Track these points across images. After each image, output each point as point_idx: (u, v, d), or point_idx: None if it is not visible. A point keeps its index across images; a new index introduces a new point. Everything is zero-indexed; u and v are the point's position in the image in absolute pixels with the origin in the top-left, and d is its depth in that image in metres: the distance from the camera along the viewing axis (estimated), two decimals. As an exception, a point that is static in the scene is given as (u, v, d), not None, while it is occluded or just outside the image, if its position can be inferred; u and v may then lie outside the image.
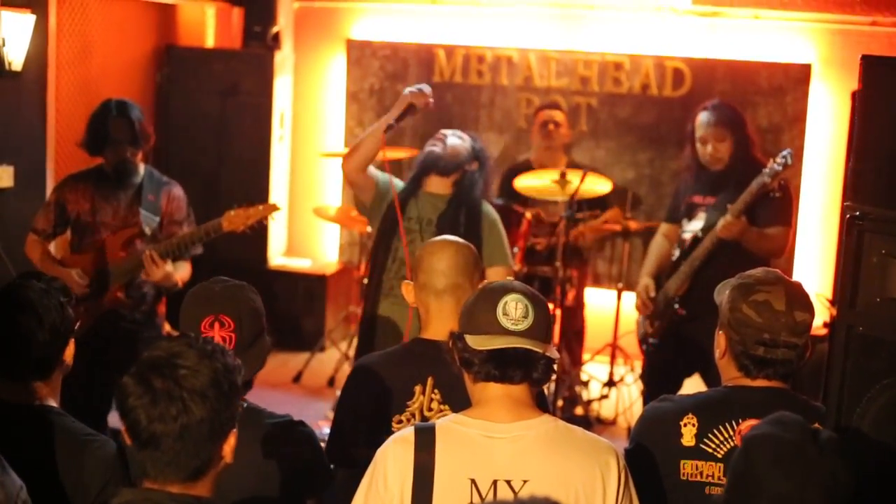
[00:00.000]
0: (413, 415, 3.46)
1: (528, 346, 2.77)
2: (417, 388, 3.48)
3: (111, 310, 5.53)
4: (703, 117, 6.12)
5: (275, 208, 5.58)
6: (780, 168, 5.64)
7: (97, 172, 5.70)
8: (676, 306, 6.05)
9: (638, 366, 7.21)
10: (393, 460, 2.78)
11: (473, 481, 2.72)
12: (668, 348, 6.25)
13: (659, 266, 6.48)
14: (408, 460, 2.76)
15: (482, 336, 2.78)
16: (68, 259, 5.63)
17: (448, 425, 2.81)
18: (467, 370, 2.85)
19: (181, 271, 5.66)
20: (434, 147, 5.46)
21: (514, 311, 2.77)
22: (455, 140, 5.50)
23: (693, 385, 6.10)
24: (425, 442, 2.77)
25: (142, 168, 5.71)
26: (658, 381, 6.22)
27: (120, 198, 5.65)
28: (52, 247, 5.81)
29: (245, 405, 3.17)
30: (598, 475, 2.76)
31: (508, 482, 2.72)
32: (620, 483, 2.80)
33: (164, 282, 5.52)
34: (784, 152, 5.68)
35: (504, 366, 2.78)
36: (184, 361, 2.49)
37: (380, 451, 2.84)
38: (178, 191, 5.79)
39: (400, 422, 3.45)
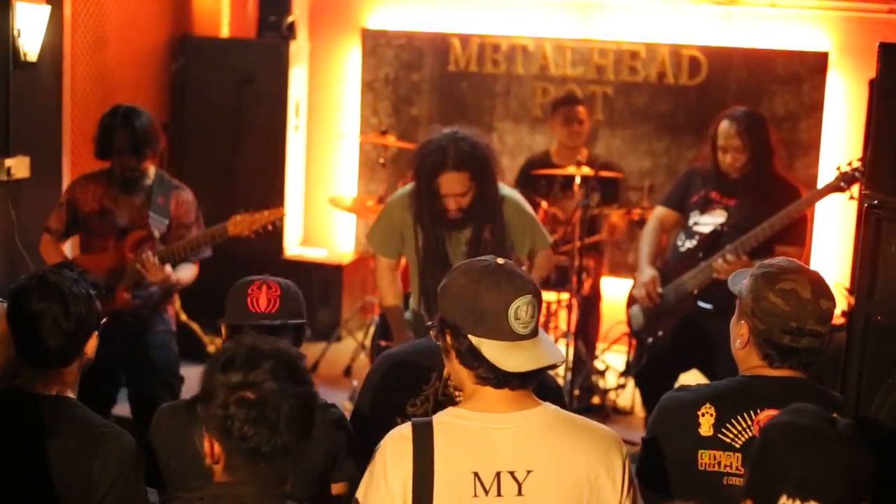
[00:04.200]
0: (427, 398, 3.51)
1: (553, 362, 2.78)
2: (434, 374, 3.53)
3: (116, 311, 5.55)
4: (725, 126, 6.07)
5: (280, 214, 5.60)
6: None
7: (109, 173, 5.73)
8: (702, 304, 6.02)
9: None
10: (392, 457, 2.75)
11: (476, 474, 2.70)
12: (671, 343, 6.23)
13: (657, 253, 6.48)
14: (406, 456, 2.73)
15: (495, 343, 2.73)
16: (78, 260, 5.64)
17: (446, 419, 2.79)
18: (469, 369, 2.79)
19: (185, 273, 5.72)
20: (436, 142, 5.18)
21: (525, 314, 2.73)
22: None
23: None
24: (423, 437, 2.74)
25: (152, 172, 5.73)
26: (658, 376, 6.19)
27: (130, 200, 5.69)
28: (67, 247, 5.84)
29: None
30: (601, 463, 2.76)
31: (512, 473, 2.71)
32: (625, 472, 2.80)
33: (165, 283, 5.59)
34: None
35: (524, 379, 2.76)
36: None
37: (378, 448, 2.81)
38: (186, 195, 5.81)
39: (413, 405, 3.50)
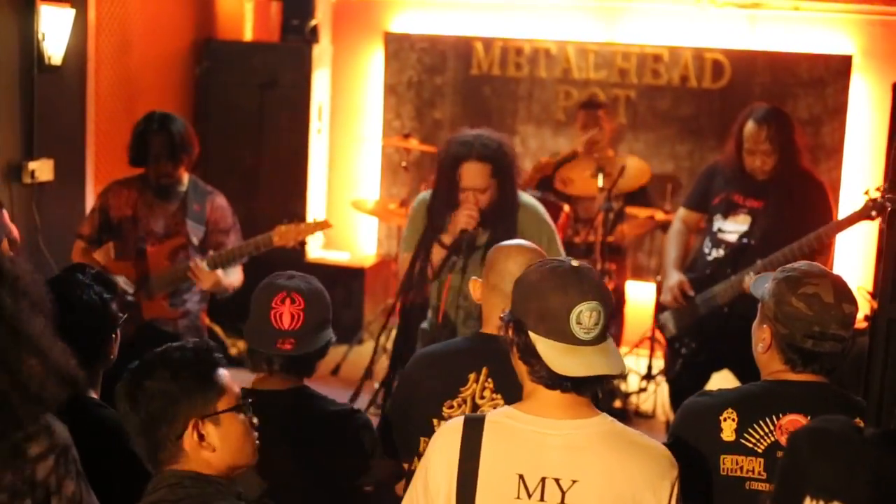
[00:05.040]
0: (465, 401, 3.48)
1: (607, 372, 2.72)
2: (471, 376, 3.49)
3: (153, 319, 5.57)
4: (751, 128, 5.90)
5: (326, 225, 5.59)
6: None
7: (143, 180, 5.73)
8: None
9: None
10: (440, 450, 2.77)
11: (521, 477, 2.68)
12: (703, 349, 6.20)
13: (683, 256, 6.42)
14: (454, 450, 2.73)
15: (552, 343, 2.69)
16: (111, 266, 5.64)
17: (499, 418, 2.77)
18: (526, 365, 2.77)
19: (232, 277, 5.72)
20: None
21: (587, 320, 2.69)
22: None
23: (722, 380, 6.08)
24: (473, 433, 2.73)
25: (185, 179, 5.74)
26: (689, 380, 6.16)
27: (165, 207, 5.70)
28: (98, 254, 5.85)
29: (309, 392, 3.37)
30: (649, 485, 2.71)
31: (557, 481, 2.68)
32: (672, 495, 2.74)
33: (215, 289, 5.61)
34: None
35: (579, 385, 2.73)
36: None
37: (431, 440, 2.83)
38: (221, 200, 5.82)
39: (451, 406, 3.47)
